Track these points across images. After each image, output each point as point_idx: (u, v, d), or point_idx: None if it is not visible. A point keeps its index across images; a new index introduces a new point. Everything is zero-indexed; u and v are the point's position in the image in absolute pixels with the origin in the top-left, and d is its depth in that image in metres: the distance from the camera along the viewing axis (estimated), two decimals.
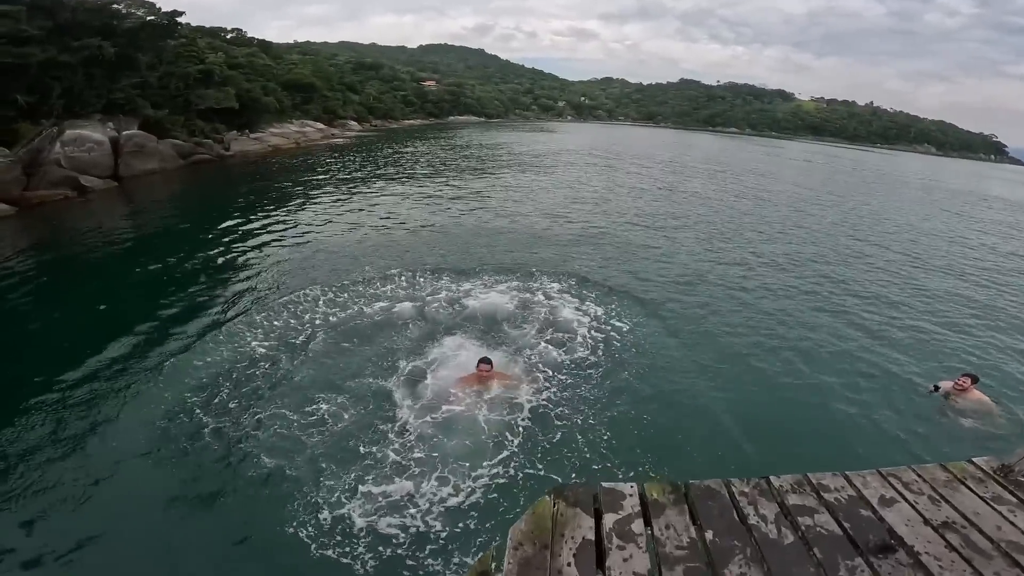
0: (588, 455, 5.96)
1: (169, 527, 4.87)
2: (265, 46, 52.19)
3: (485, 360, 7.22)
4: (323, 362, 7.77)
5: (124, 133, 23.75)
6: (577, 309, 10.04)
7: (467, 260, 13.00)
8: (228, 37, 48.74)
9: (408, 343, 8.37)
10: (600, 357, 8.26)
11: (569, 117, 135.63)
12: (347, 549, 4.56)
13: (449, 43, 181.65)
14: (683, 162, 46.05)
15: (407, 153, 38.64)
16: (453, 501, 5.19)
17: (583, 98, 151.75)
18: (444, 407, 6.67)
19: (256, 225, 16.13)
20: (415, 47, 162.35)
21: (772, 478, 2.90)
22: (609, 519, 2.38)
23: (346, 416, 6.46)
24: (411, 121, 79.93)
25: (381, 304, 9.82)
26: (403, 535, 4.73)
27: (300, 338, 8.43)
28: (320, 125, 49.41)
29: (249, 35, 52.01)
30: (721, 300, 11.27)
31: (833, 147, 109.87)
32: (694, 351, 8.74)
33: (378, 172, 28.22)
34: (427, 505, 5.10)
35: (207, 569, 4.51)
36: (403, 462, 5.67)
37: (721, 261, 14.44)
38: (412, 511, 5.00)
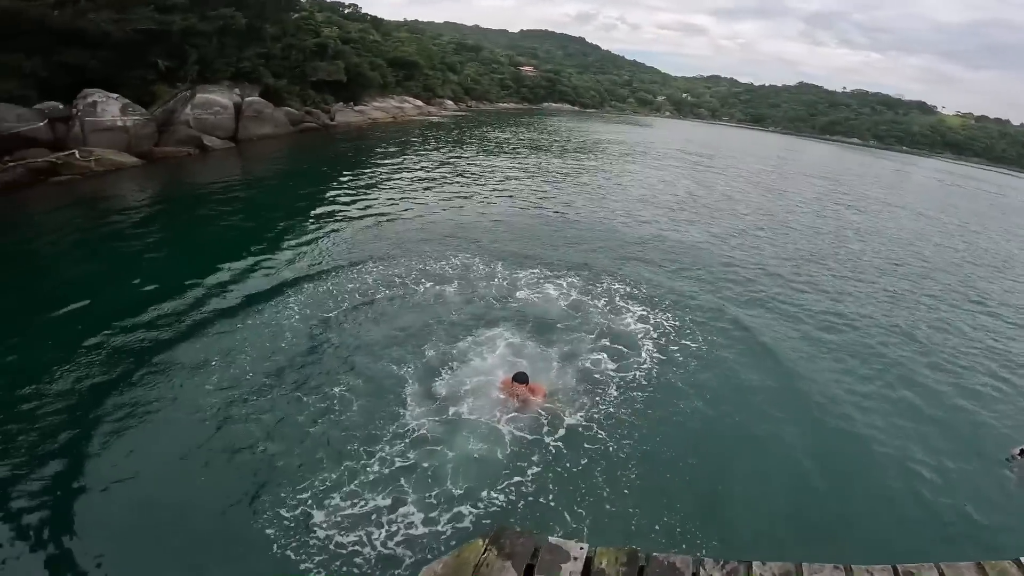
0: (607, 494, 5.45)
1: (135, 495, 5.05)
2: (376, 22, 54.68)
3: (519, 378, 6.49)
4: (353, 340, 7.79)
5: (246, 100, 26.23)
6: (642, 320, 9.31)
7: (529, 250, 12.80)
8: (345, 12, 51.71)
9: (443, 330, 8.21)
10: (654, 380, 7.57)
11: (668, 113, 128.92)
12: (303, 556, 4.50)
13: (550, 29, 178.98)
14: (788, 171, 42.00)
15: (496, 137, 38.91)
16: (424, 528, 4.78)
17: (685, 94, 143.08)
18: (452, 410, 6.23)
19: (340, 193, 17.19)
20: (516, 31, 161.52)
21: (755, 564, 2.58)
22: None
23: (355, 405, 6.29)
24: (505, 104, 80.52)
25: (428, 283, 9.92)
26: (360, 556, 4.55)
27: (338, 311, 8.58)
28: (418, 102, 51.23)
29: (363, 11, 54.67)
30: (806, 337, 9.95)
31: (976, 168, 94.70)
32: (760, 394, 7.72)
33: (464, 154, 28.74)
34: (394, 528, 4.77)
35: (154, 540, 4.61)
36: (386, 472, 5.34)
37: (817, 291, 12.75)
38: (373, 531, 4.74)
